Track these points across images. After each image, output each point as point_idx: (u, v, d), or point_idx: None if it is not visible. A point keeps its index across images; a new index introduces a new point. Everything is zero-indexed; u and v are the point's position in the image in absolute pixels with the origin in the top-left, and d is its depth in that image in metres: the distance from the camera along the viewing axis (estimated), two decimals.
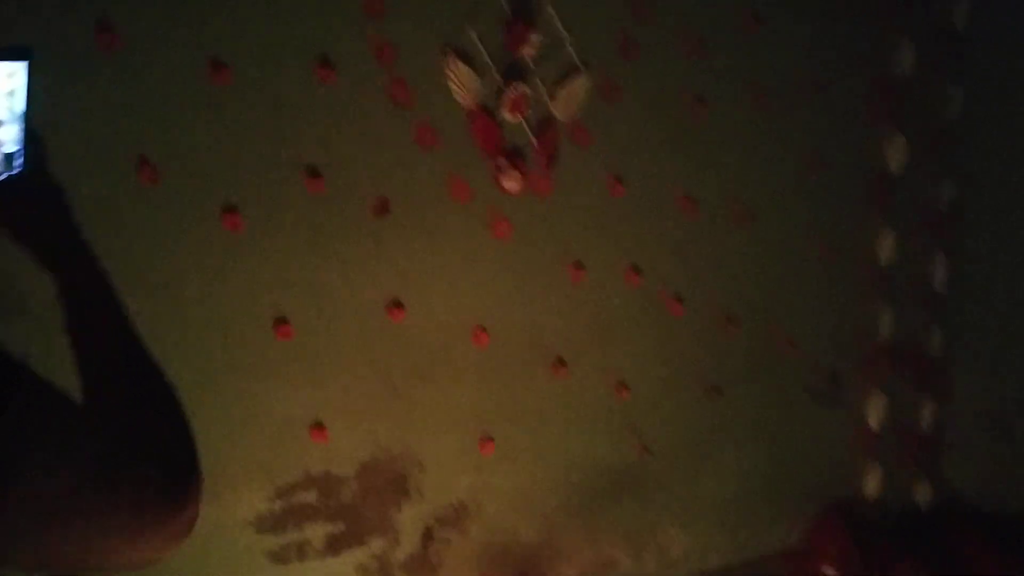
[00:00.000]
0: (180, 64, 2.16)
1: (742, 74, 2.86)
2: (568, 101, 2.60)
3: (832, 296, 3.20)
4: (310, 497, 2.46)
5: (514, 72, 2.51)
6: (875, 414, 3.30)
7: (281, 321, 2.35)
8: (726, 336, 3.00)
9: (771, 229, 3.02)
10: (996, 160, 3.32)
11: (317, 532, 2.49)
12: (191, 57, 2.16)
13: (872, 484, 3.33)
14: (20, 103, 1.01)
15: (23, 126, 1.01)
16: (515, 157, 2.55)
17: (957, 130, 3.24)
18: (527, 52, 2.49)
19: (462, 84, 2.45)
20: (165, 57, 2.14)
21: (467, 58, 2.45)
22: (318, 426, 2.43)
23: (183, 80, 2.16)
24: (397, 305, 2.49)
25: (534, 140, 2.58)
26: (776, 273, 3.07)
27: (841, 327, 3.24)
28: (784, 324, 3.12)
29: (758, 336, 3.07)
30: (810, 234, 3.10)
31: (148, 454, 0.90)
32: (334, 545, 2.52)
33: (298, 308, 2.37)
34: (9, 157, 1.01)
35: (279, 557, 2.45)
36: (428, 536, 2.65)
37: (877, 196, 3.20)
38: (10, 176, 1.01)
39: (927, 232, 3.31)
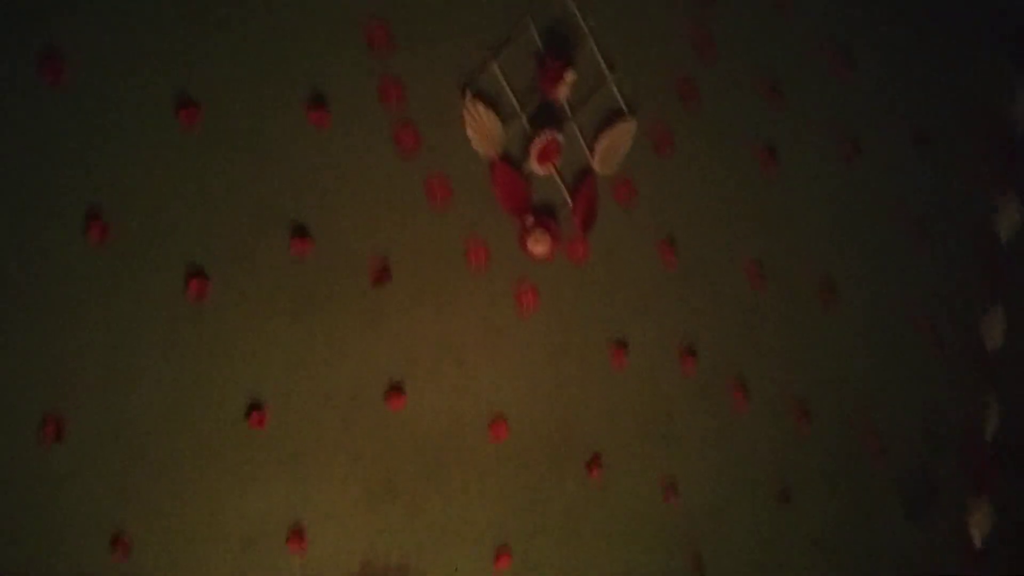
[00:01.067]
0: (141, 101, 1.82)
1: (825, 122, 2.43)
2: (610, 152, 2.20)
3: (928, 386, 2.71)
4: None
5: (546, 116, 2.12)
6: (979, 528, 2.78)
7: (255, 407, 1.97)
8: (798, 433, 2.53)
9: (856, 305, 2.57)
10: None
11: None
12: (155, 93, 1.83)
13: None
14: None
15: None
16: (545, 216, 2.15)
17: None
18: (562, 93, 2.09)
19: (482, 130, 2.06)
20: (124, 92, 1.81)
21: (489, 99, 2.07)
22: (297, 533, 2.03)
23: (144, 120, 1.83)
24: (397, 390, 2.09)
25: (568, 197, 2.18)
26: (861, 358, 2.61)
27: (939, 423, 2.74)
28: (869, 419, 2.63)
29: (837, 433, 2.60)
30: (904, 312, 2.64)
31: None
32: None
33: (276, 392, 1.99)
34: None
35: None
36: None
37: (985, 268, 2.71)
38: None
39: None
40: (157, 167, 1.85)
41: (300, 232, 1.96)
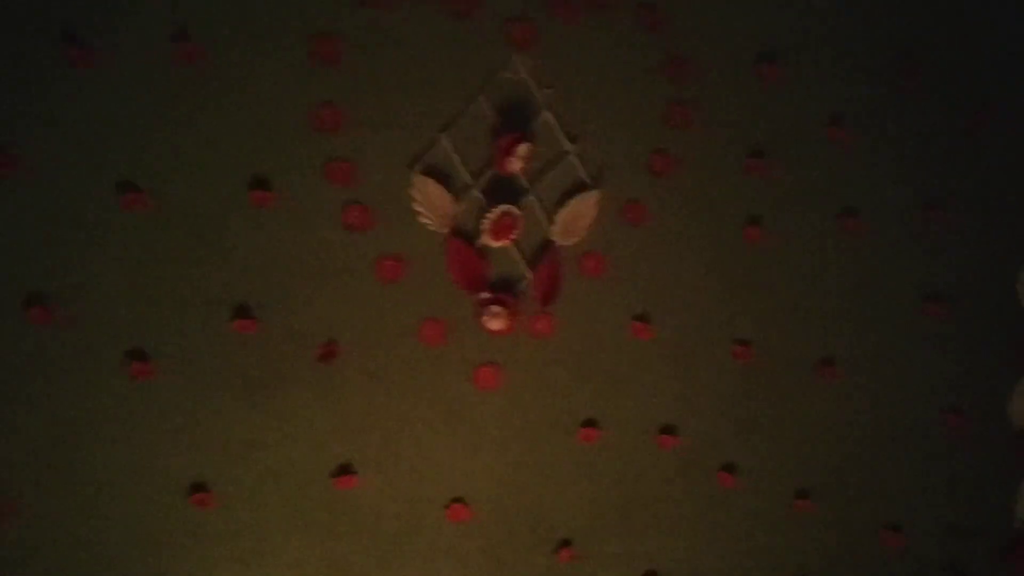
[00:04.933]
0: (83, 185, 1.86)
1: (818, 192, 2.27)
2: (573, 223, 2.12)
3: (951, 468, 2.47)
4: None
5: (504, 189, 2.07)
6: None
7: (199, 487, 1.96)
8: (796, 518, 2.35)
9: (863, 380, 2.37)
10: None
11: None
12: (99, 179, 1.87)
13: None
14: None
15: None
16: (502, 291, 2.08)
17: None
18: (515, 166, 2.04)
19: (433, 206, 2.03)
20: (67, 179, 1.86)
21: (441, 175, 2.03)
22: None
23: (88, 205, 1.87)
24: (348, 470, 2.04)
25: (528, 270, 2.11)
26: (870, 436, 2.40)
27: (963, 508, 2.49)
28: (882, 503, 2.42)
29: (843, 518, 2.39)
30: (919, 387, 2.42)
31: None
32: None
33: (220, 472, 1.98)
34: None
35: None
36: None
37: (1015, 339, 2.47)
38: None
39: None
40: (101, 250, 1.88)
41: (244, 312, 1.95)
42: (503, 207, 2.04)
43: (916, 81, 2.28)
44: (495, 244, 2.07)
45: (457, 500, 2.12)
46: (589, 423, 2.19)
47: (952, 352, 2.43)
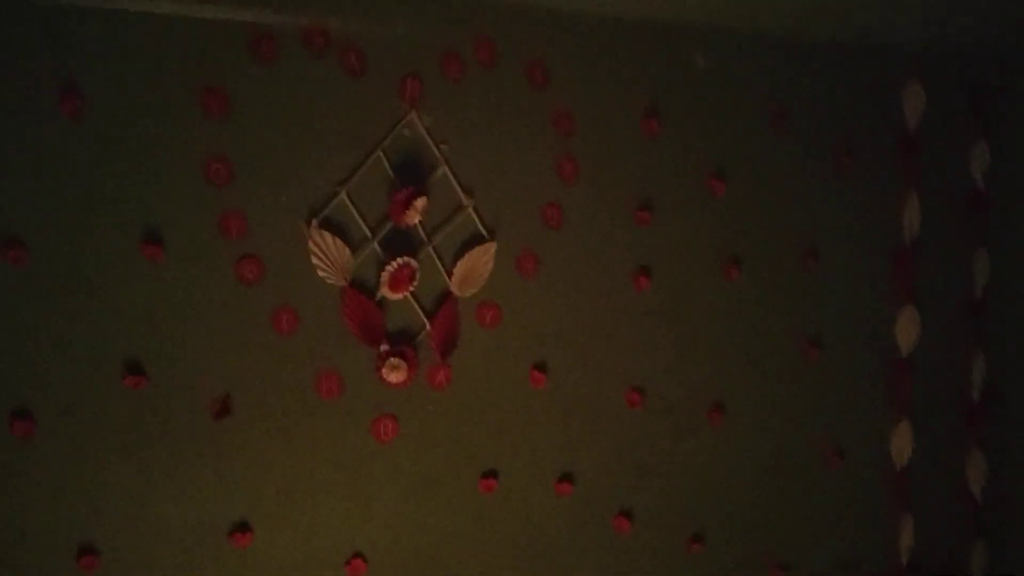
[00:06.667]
0: None
1: (701, 241, 2.38)
2: (470, 275, 2.16)
3: (836, 505, 2.58)
4: None
5: (402, 242, 2.09)
6: None
7: (87, 549, 1.90)
8: (691, 560, 2.41)
9: (748, 426, 2.47)
10: None
11: None
12: None
13: None
14: None
15: None
16: (400, 343, 2.10)
17: (988, 303, 2.67)
18: (412, 219, 2.06)
19: (330, 258, 2.03)
20: None
21: (338, 227, 2.04)
22: None
23: None
24: (243, 527, 2.01)
25: (427, 322, 2.13)
26: (758, 477, 2.49)
27: (849, 543, 2.60)
28: (772, 542, 2.51)
29: (736, 559, 2.47)
30: (802, 428, 2.53)
31: None
32: None
33: (108, 531, 1.92)
34: None
35: None
36: None
37: (893, 381, 2.62)
38: None
39: (958, 423, 2.69)
40: None
41: (133, 367, 1.91)
42: (401, 259, 2.06)
43: (784, 130, 2.42)
44: (393, 296, 2.08)
45: (356, 555, 2.10)
46: (489, 473, 2.21)
47: (831, 394, 2.55)
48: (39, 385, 1.86)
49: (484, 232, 2.16)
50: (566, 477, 2.28)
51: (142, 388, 1.92)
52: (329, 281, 2.04)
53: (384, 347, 2.08)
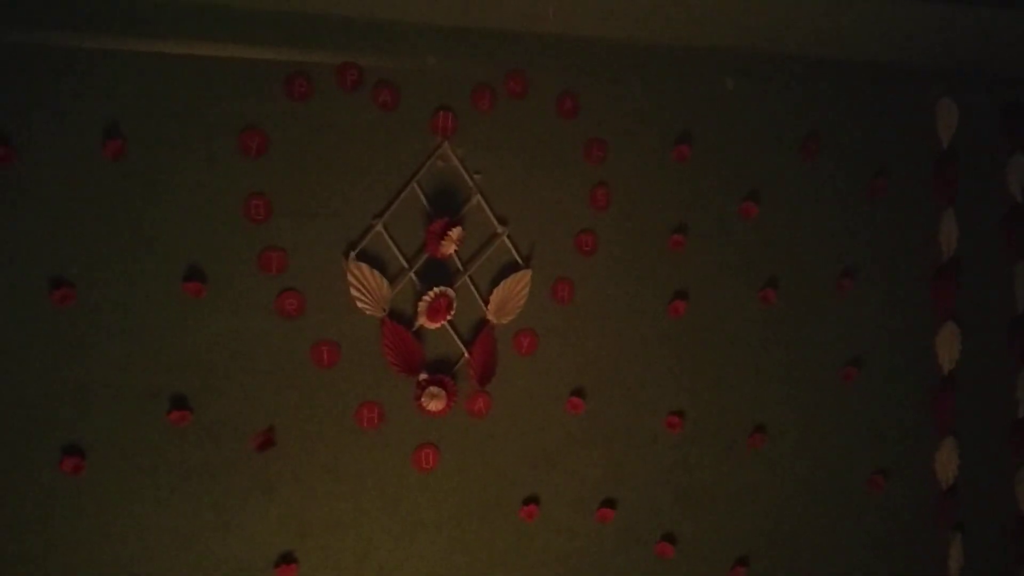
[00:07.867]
0: (14, 283, 1.84)
1: (738, 266, 2.37)
2: (506, 302, 2.17)
3: (881, 528, 2.55)
4: None
5: (438, 271, 2.11)
6: None
7: None
8: None
9: (791, 448, 2.45)
10: None
11: None
12: (28, 275, 1.85)
13: None
14: None
15: None
16: (439, 372, 2.11)
17: None
18: (448, 250, 2.08)
19: (368, 290, 2.05)
20: None
21: (375, 260, 2.07)
22: None
23: (17, 300, 1.85)
24: (289, 561, 2.02)
25: (465, 350, 2.14)
26: (802, 500, 2.47)
27: (896, 567, 2.56)
28: (817, 566, 2.48)
29: None
30: (845, 450, 2.50)
31: None
32: None
33: (155, 566, 1.94)
34: None
35: None
36: None
37: (935, 400, 2.58)
38: None
39: (1003, 440, 2.65)
40: (24, 346, 1.85)
41: (179, 403, 1.94)
42: (438, 289, 2.08)
43: (817, 151, 2.41)
44: (431, 326, 2.10)
45: None
46: (530, 500, 2.21)
47: (874, 414, 2.52)
48: (87, 422, 1.89)
49: (519, 260, 2.18)
50: (608, 503, 2.28)
51: (187, 423, 1.94)
52: (368, 313, 2.06)
53: (423, 376, 2.10)
